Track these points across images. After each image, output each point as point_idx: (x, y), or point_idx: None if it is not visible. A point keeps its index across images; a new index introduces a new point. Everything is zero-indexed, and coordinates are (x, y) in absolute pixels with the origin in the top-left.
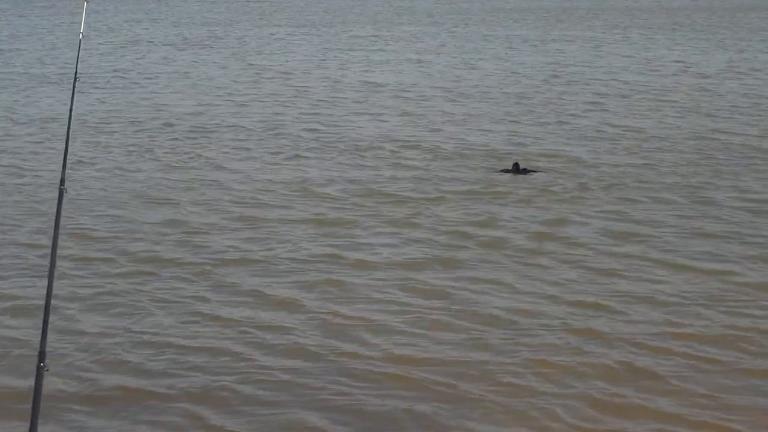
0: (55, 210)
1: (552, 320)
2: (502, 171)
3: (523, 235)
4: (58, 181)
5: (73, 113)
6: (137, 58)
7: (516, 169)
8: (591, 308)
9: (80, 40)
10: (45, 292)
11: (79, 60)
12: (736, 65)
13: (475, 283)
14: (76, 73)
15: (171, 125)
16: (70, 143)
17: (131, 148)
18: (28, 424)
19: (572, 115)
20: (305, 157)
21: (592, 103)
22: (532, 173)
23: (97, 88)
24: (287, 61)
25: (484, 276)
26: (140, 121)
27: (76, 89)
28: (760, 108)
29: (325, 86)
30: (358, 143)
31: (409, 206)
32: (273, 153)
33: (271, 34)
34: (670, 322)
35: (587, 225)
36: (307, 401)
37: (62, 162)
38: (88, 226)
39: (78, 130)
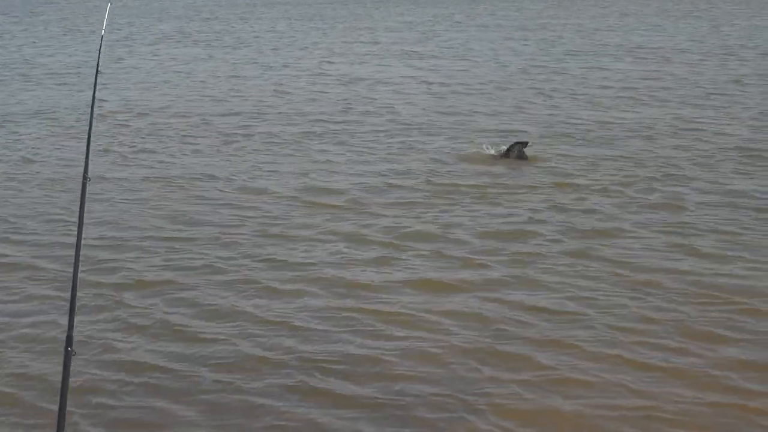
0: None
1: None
2: (499, 155)
3: (490, 230)
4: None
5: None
6: (138, 53)
7: (510, 151)
8: (549, 313)
9: (102, 36)
10: (71, 279)
11: (100, 55)
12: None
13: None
14: (97, 66)
15: (156, 118)
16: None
17: (120, 143)
18: (56, 408)
19: (557, 105)
20: (288, 153)
21: (579, 94)
22: (524, 159)
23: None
24: (280, 55)
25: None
26: (128, 116)
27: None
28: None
29: (321, 82)
30: (342, 138)
31: (396, 203)
32: (253, 149)
33: (272, 27)
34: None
35: (558, 222)
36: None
37: (85, 153)
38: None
39: (75, 125)
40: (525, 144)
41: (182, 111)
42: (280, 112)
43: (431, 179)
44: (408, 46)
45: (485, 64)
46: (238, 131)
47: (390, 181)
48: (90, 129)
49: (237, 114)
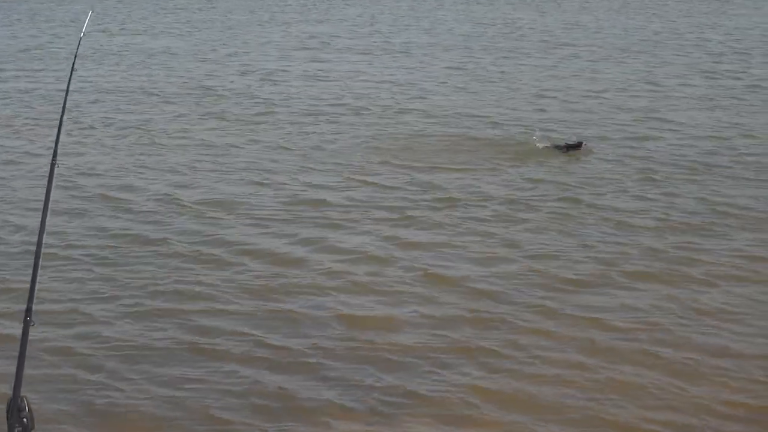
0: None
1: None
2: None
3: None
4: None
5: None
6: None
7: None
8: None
9: (80, 38)
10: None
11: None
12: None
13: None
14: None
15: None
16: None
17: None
18: (13, 379)
19: (462, 102)
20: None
21: (488, 91)
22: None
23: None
24: (228, 47)
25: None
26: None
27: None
28: None
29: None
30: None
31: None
32: (153, 143)
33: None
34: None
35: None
36: None
37: (55, 138)
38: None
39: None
40: (579, 145)
41: (102, 100)
42: (193, 107)
43: (305, 181)
44: (355, 41)
45: (422, 61)
46: (142, 126)
47: (268, 179)
48: (62, 115)
49: (152, 109)
